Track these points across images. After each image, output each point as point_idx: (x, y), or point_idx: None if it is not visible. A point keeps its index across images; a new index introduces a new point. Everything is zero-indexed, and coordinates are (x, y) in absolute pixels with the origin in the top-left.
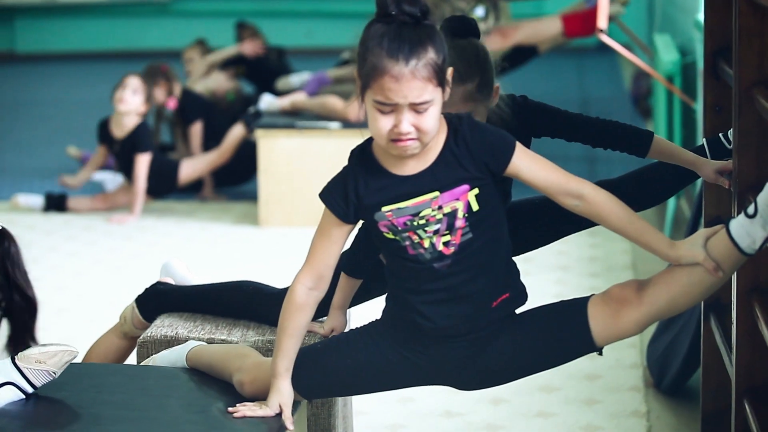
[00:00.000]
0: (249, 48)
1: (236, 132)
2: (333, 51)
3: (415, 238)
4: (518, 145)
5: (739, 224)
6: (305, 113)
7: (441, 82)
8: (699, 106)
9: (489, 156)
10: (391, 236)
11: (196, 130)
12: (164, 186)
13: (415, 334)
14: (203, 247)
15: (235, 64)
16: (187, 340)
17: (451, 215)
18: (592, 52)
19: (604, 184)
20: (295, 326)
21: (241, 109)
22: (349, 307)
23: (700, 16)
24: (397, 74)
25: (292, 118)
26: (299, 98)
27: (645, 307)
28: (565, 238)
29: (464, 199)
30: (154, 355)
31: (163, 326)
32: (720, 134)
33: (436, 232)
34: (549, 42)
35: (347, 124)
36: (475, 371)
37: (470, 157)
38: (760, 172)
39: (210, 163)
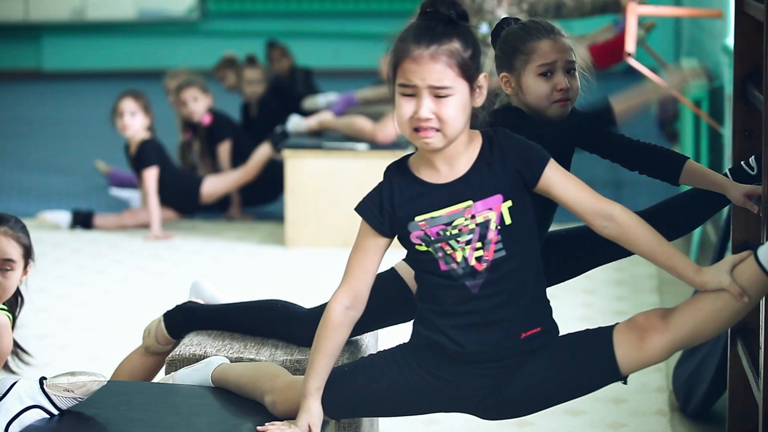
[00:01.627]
0: None
1: (262, 151)
2: (360, 72)
3: (448, 249)
4: (552, 160)
5: (767, 250)
6: (332, 134)
7: (465, 74)
8: (726, 131)
9: (523, 165)
10: (423, 248)
11: (225, 149)
12: (187, 202)
13: (441, 359)
14: (229, 267)
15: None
16: None
17: (484, 226)
18: (619, 76)
19: None
20: (331, 346)
21: (268, 128)
22: (360, 334)
23: (728, 41)
24: (417, 56)
25: (319, 139)
26: (327, 117)
27: (670, 334)
28: None
29: (497, 209)
30: (173, 373)
31: (192, 345)
32: (742, 162)
33: (468, 243)
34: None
35: (375, 145)
36: (500, 400)
37: (504, 167)
38: None
39: (234, 181)
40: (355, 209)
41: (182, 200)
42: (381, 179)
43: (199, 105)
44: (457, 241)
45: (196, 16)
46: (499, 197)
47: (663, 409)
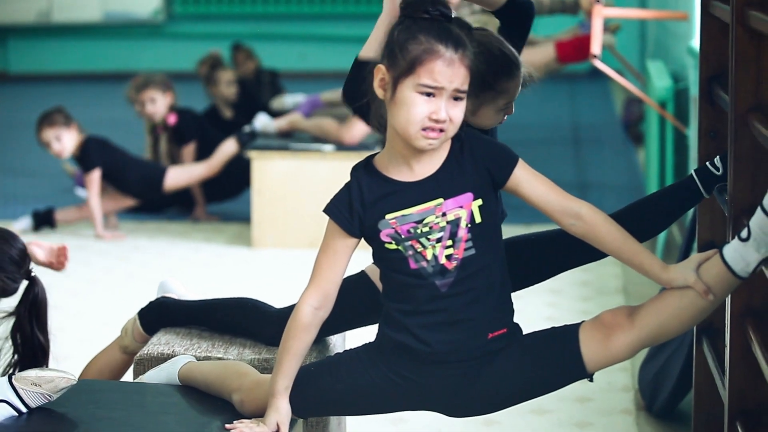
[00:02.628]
0: None
1: (228, 147)
2: (326, 74)
3: (418, 247)
4: (521, 159)
5: (732, 248)
6: (300, 135)
7: (471, 81)
8: (691, 132)
9: (493, 164)
10: (393, 246)
11: (189, 152)
12: (149, 190)
13: (407, 359)
14: (196, 268)
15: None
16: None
17: (455, 224)
18: (584, 78)
19: None
20: (299, 346)
21: (236, 126)
22: (330, 335)
23: (694, 43)
24: (449, 58)
25: (286, 140)
26: (297, 118)
27: (636, 332)
28: None
29: (468, 208)
30: (141, 376)
31: (160, 344)
32: (707, 162)
33: (438, 241)
34: (543, 68)
35: (341, 146)
36: (466, 398)
37: (474, 165)
38: (755, 196)
39: (197, 175)
40: (324, 210)
41: (143, 190)
42: (348, 180)
43: (158, 106)
44: (428, 239)
45: (161, 19)
46: (469, 195)
47: (629, 408)
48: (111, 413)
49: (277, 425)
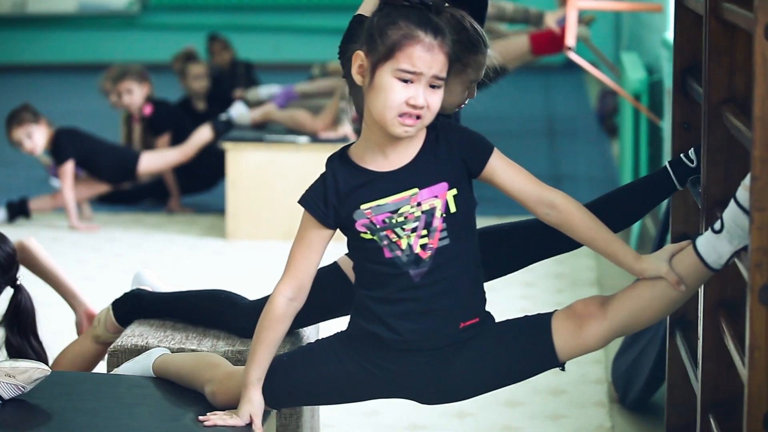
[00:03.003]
0: None
1: (203, 134)
2: (300, 66)
3: (393, 237)
4: (496, 149)
5: (705, 240)
6: (274, 126)
7: (449, 68)
8: (665, 124)
9: (468, 153)
10: (368, 236)
11: (164, 141)
12: (122, 174)
13: (378, 347)
14: (171, 260)
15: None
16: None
17: (429, 213)
18: (558, 70)
19: None
20: (273, 337)
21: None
22: (303, 327)
23: (668, 35)
24: (429, 44)
25: (261, 132)
26: (271, 109)
27: (608, 322)
28: None
29: (443, 197)
30: (116, 369)
31: (134, 335)
32: (681, 155)
33: (413, 231)
34: (517, 60)
35: (315, 138)
36: (438, 386)
37: (449, 155)
38: (728, 189)
39: (171, 160)
40: (299, 202)
41: (118, 175)
42: (323, 171)
43: (134, 97)
44: (403, 229)
45: (136, 9)
46: (444, 185)
47: (602, 401)
48: (84, 404)
49: (250, 416)
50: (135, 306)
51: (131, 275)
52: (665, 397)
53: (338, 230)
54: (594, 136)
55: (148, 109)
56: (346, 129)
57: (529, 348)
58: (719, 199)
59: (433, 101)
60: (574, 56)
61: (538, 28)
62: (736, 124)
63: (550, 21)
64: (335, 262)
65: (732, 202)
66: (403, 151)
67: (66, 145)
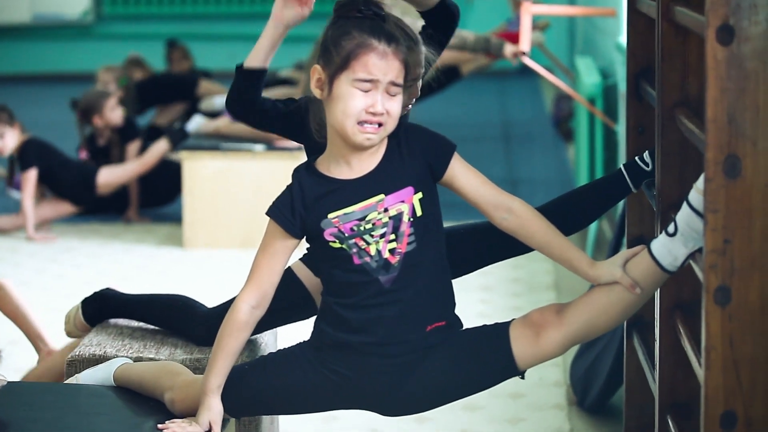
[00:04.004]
0: None
1: (159, 146)
2: None
3: (362, 244)
4: (456, 153)
5: (660, 243)
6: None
7: (407, 75)
8: (620, 128)
9: (431, 155)
10: (337, 245)
11: (134, 148)
12: (82, 192)
13: (343, 355)
14: (129, 269)
15: None
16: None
17: (397, 218)
18: (514, 75)
19: None
20: (234, 345)
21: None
22: (259, 333)
23: (622, 39)
24: (382, 51)
25: (217, 140)
26: (224, 123)
27: (565, 329)
28: None
29: (409, 201)
30: (77, 375)
31: (92, 345)
32: (636, 158)
33: (382, 237)
34: (472, 63)
35: (271, 146)
36: (399, 397)
37: (412, 158)
38: (683, 191)
39: (130, 172)
40: (267, 213)
41: (78, 191)
42: (288, 181)
43: (116, 114)
44: (371, 236)
45: (90, 20)
46: (410, 189)
47: (561, 404)
48: (44, 414)
49: (210, 424)
50: (102, 307)
51: (89, 285)
52: (623, 399)
53: (306, 239)
54: (549, 140)
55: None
56: None
57: (488, 358)
58: (674, 202)
59: (392, 107)
60: (529, 61)
61: (497, 56)
62: (689, 127)
63: (509, 52)
64: (289, 268)
65: (684, 205)
66: (367, 159)
67: (33, 153)
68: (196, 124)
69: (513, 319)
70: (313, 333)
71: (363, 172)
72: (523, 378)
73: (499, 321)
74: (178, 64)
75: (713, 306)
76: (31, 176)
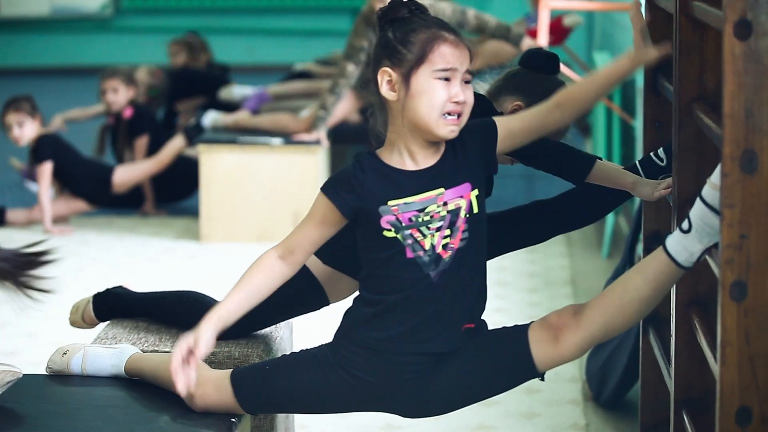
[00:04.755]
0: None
1: (176, 143)
2: (275, 68)
3: (418, 236)
4: (496, 120)
5: (675, 240)
6: (248, 130)
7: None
8: (638, 123)
9: (483, 149)
10: (391, 234)
11: (142, 143)
12: (98, 191)
13: (366, 358)
14: (145, 263)
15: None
16: None
17: (454, 213)
18: None
19: (540, 204)
20: (249, 282)
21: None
22: (271, 324)
23: None
24: (454, 41)
25: (235, 134)
26: (243, 116)
27: (582, 331)
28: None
29: (467, 197)
30: (85, 348)
31: (107, 338)
32: (651, 153)
33: (438, 230)
34: (511, 58)
35: (289, 140)
36: (419, 401)
37: (466, 154)
38: (699, 186)
39: (146, 171)
40: (322, 189)
41: (94, 190)
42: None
43: (119, 96)
44: (428, 228)
45: (109, 13)
46: (468, 185)
47: (576, 399)
48: (58, 407)
49: (186, 347)
50: (114, 304)
51: (106, 279)
52: (639, 394)
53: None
54: (568, 134)
55: (128, 112)
56: (321, 134)
57: (508, 361)
58: (690, 197)
59: (469, 96)
60: None
61: (516, 48)
62: (706, 122)
63: (526, 46)
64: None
65: (698, 201)
66: (432, 153)
67: (48, 147)
68: (211, 119)
69: (531, 322)
70: (337, 334)
71: (425, 165)
72: (542, 380)
73: (517, 320)
74: (174, 58)
75: (729, 301)
76: (46, 169)
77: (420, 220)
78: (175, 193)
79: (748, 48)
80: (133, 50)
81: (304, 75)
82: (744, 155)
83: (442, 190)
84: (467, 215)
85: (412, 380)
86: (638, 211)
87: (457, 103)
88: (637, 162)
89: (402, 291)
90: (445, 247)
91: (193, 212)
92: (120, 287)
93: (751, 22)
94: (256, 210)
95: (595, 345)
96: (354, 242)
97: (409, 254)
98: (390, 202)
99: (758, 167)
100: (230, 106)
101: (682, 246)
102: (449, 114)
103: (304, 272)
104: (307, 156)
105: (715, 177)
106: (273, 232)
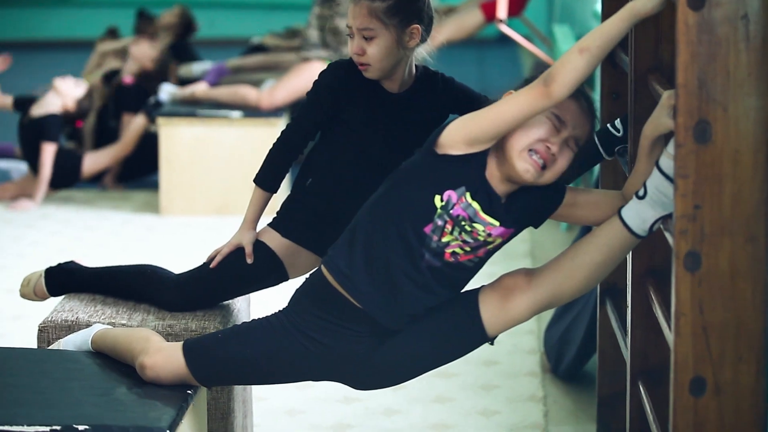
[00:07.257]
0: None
1: (137, 123)
2: (235, 41)
3: (447, 228)
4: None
5: (630, 207)
6: (208, 103)
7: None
8: (596, 95)
9: (545, 211)
10: (437, 204)
11: (129, 118)
12: (67, 178)
13: (322, 321)
14: (104, 236)
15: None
16: (88, 324)
17: (486, 243)
18: (492, 44)
19: None
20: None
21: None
22: (231, 298)
23: (599, 6)
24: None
25: (194, 107)
26: (200, 89)
27: (531, 293)
28: None
29: (504, 237)
30: (60, 340)
31: (64, 311)
32: (608, 124)
33: (463, 241)
34: (473, 33)
35: (248, 113)
36: (371, 369)
37: (528, 202)
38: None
39: (113, 156)
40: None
41: (62, 176)
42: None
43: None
44: (459, 234)
45: None
46: (512, 230)
47: (535, 371)
48: (16, 380)
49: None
50: (66, 280)
51: (64, 251)
52: (596, 366)
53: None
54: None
55: (129, 79)
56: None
57: (458, 326)
58: None
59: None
60: (507, 30)
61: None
62: (661, 93)
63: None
64: (260, 240)
65: (655, 169)
66: (511, 186)
67: (57, 129)
68: (167, 92)
69: (482, 286)
70: (296, 290)
71: (504, 193)
72: (492, 344)
73: (474, 287)
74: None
75: (683, 272)
76: (52, 150)
77: (463, 223)
78: (138, 170)
79: (701, 18)
80: (94, 24)
81: (260, 48)
82: (698, 126)
83: (497, 223)
84: (492, 249)
85: (363, 347)
86: (596, 182)
87: (548, 147)
88: (593, 133)
89: (389, 253)
90: (453, 253)
91: (153, 185)
92: (72, 262)
93: None
94: (215, 182)
95: (545, 310)
96: (311, 216)
97: (427, 229)
98: (468, 192)
99: (712, 137)
100: (190, 83)
101: (635, 212)
102: (536, 151)
103: (263, 247)
104: (267, 128)
105: (672, 147)
106: (232, 205)
